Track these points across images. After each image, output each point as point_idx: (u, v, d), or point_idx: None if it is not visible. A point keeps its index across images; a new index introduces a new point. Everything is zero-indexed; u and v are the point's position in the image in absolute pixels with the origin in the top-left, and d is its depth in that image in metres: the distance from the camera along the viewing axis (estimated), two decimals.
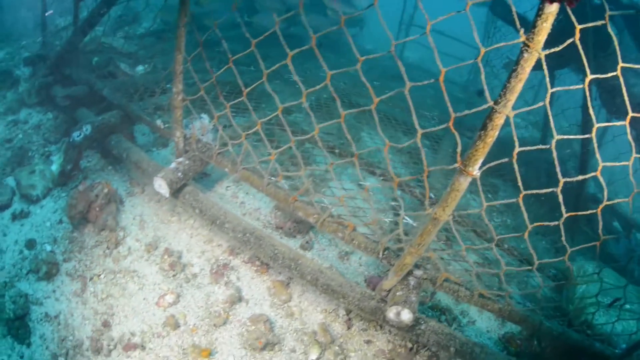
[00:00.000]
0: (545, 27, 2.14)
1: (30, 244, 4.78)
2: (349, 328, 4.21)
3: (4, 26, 10.40)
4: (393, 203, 5.13)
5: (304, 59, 7.78)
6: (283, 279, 4.51)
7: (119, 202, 5.14)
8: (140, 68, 7.17)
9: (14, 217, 5.10)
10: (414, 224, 4.65)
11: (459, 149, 2.69)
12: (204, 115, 5.10)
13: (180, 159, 4.76)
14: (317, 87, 3.34)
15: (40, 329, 4.04)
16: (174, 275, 4.50)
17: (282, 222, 4.94)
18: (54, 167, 5.55)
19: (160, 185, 4.55)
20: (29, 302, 4.20)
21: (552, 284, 4.95)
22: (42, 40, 7.76)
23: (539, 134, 9.50)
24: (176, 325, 4.07)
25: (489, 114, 2.45)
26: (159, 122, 5.16)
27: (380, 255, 3.79)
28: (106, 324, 4.07)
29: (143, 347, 3.90)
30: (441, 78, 2.55)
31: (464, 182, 2.79)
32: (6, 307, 4.09)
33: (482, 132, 2.53)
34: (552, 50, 2.30)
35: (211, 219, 4.47)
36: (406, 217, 4.69)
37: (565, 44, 2.27)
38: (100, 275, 4.50)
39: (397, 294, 3.57)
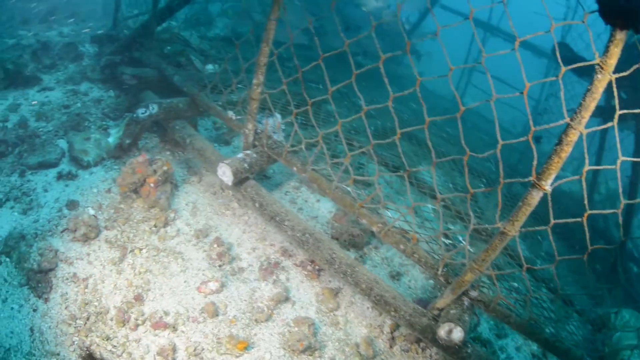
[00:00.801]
0: (616, 52, 2.57)
1: (72, 204, 5.01)
2: (391, 347, 4.31)
3: (71, 5, 11.12)
4: (450, 227, 5.30)
5: (370, 89, 8.14)
6: (333, 287, 4.64)
7: (174, 186, 5.36)
8: (209, 66, 7.53)
9: (60, 176, 5.38)
10: (471, 250, 4.77)
11: (534, 162, 2.97)
12: (277, 115, 5.37)
13: (248, 152, 5.00)
14: (379, 105, 3.62)
15: (63, 287, 4.16)
16: (220, 266, 4.65)
17: (339, 234, 5.11)
18: (111, 139, 5.83)
19: (225, 172, 4.76)
20: (58, 259, 4.37)
21: (590, 329, 5.11)
22: (113, 22, 8.21)
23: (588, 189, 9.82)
24: (215, 314, 4.18)
25: (565, 130, 2.83)
26: (230, 113, 5.43)
27: (440, 272, 3.92)
28: (139, 298, 4.20)
29: (174, 328, 4.00)
30: (491, 100, 2.81)
31: (536, 197, 3.02)
32: (31, 258, 4.29)
33: (558, 146, 2.85)
34: (622, 74, 2.67)
35: (271, 215, 4.65)
36: (461, 239, 4.88)
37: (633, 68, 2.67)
38: (142, 249, 4.68)
39: (451, 312, 3.69)
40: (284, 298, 4.42)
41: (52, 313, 3.96)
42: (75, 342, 3.76)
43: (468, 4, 3.25)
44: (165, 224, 4.98)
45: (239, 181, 4.90)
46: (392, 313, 3.94)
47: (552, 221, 3.11)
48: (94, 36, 8.10)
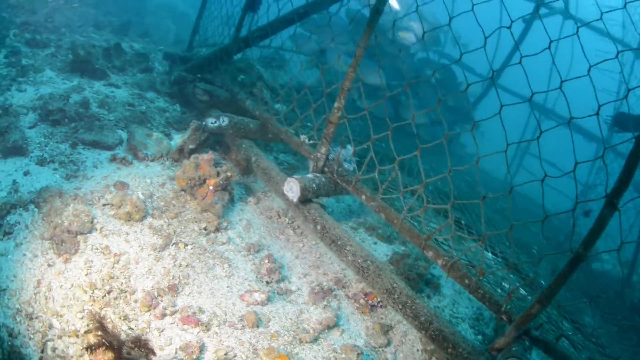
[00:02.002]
0: None
1: (121, 185, 5.34)
2: None
3: (144, 26, 12.08)
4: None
5: (429, 154, 8.60)
6: (384, 324, 4.78)
7: (231, 198, 5.67)
8: (278, 106, 8.02)
9: (114, 158, 5.77)
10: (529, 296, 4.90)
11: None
12: (349, 146, 5.70)
13: (318, 174, 5.31)
14: (439, 176, 3.95)
15: (90, 255, 4.41)
16: (268, 282, 4.86)
17: None
18: (174, 143, 6.24)
19: (292, 188, 5.07)
20: (93, 227, 4.65)
21: None
22: (189, 44, 8.90)
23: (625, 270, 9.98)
24: (256, 324, 4.34)
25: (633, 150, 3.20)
26: (302, 137, 5.79)
27: (503, 308, 4.05)
28: (173, 289, 4.39)
29: (207, 328, 4.13)
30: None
31: (608, 216, 3.30)
32: (63, 214, 4.55)
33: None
34: None
35: (332, 239, 4.89)
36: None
37: None
38: (188, 245, 4.94)
39: (513, 349, 3.82)
40: (333, 324, 4.57)
41: (69, 274, 4.18)
42: (86, 310, 3.92)
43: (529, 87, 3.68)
44: (217, 230, 5.25)
45: (303, 201, 5.18)
46: (450, 350, 4.05)
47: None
48: (167, 53, 8.74)
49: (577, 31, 4.06)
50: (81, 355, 3.57)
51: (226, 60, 7.68)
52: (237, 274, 4.82)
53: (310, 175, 5.23)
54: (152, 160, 5.95)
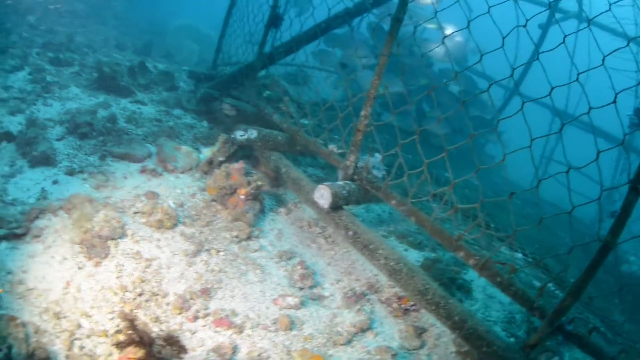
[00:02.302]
0: None
1: (151, 194, 5.60)
2: None
3: (166, 47, 12.49)
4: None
5: (459, 171, 8.81)
6: (418, 326, 4.95)
7: (262, 208, 5.90)
8: (304, 121, 8.28)
9: (143, 170, 6.05)
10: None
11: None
12: (377, 154, 5.91)
13: (348, 181, 5.53)
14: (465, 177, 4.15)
15: (121, 259, 4.61)
16: (301, 288, 5.06)
17: None
18: (202, 156, 6.50)
19: (323, 195, 5.28)
20: (124, 232, 4.90)
21: None
22: (213, 62, 9.22)
23: None
24: (289, 327, 4.52)
25: None
26: (331, 146, 6.02)
27: (535, 304, 4.19)
28: (205, 292, 4.60)
29: (240, 330, 4.31)
30: None
31: (633, 201, 3.45)
32: (94, 220, 4.78)
33: None
34: None
35: (364, 243, 5.08)
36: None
37: None
38: (220, 252, 5.17)
39: (548, 344, 3.97)
40: (367, 326, 4.75)
41: (99, 277, 4.37)
42: (116, 311, 4.09)
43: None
44: (248, 238, 5.48)
45: (334, 208, 5.38)
46: (484, 348, 4.20)
47: None
48: (192, 72, 9.07)
49: (589, 24, 4.27)
50: (110, 354, 3.73)
51: (251, 77, 7.96)
52: (269, 280, 5.03)
53: (340, 183, 5.44)
54: (182, 173, 6.21)
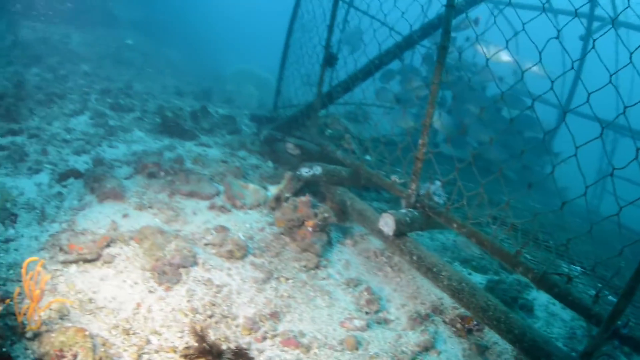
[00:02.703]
0: None
1: (222, 229, 6.17)
2: None
3: (225, 92, 13.34)
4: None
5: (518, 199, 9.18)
6: (481, 345, 5.35)
7: (329, 240, 6.43)
8: (366, 157, 8.83)
9: (212, 206, 6.67)
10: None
11: None
12: (437, 182, 6.38)
13: (411, 209, 6.01)
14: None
15: (192, 285, 5.13)
16: (367, 313, 5.51)
17: None
18: (270, 193, 7.10)
19: (387, 223, 5.77)
20: (195, 261, 5.46)
21: None
22: (274, 105, 9.91)
23: None
24: (355, 347, 4.93)
25: None
26: (393, 177, 6.53)
27: (592, 311, 4.53)
28: (274, 315, 5.06)
29: (307, 350, 4.66)
30: None
31: None
32: (165, 249, 5.36)
33: None
34: None
35: (428, 267, 5.53)
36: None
37: None
38: (289, 279, 5.69)
39: (604, 349, 4.30)
40: (431, 345, 5.15)
41: (170, 300, 4.84)
42: (186, 330, 4.50)
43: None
44: (316, 267, 5.99)
45: (398, 235, 5.86)
46: (544, 359, 4.59)
47: None
48: (254, 115, 9.78)
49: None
50: None
51: (312, 116, 8.57)
52: (337, 305, 5.50)
53: (403, 210, 5.92)
54: (250, 209, 6.81)
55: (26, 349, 3.81)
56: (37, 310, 4.01)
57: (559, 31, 4.84)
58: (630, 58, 4.07)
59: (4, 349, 3.55)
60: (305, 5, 10.10)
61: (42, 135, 7.98)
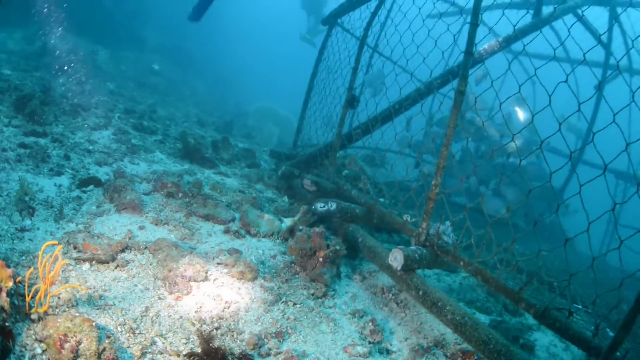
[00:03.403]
0: None
1: (235, 251, 6.62)
2: None
3: (246, 128, 13.94)
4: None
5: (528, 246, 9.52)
6: None
7: (339, 272, 6.84)
8: (380, 199, 9.30)
9: (227, 230, 7.15)
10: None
11: None
12: (447, 222, 6.81)
13: (420, 247, 6.44)
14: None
15: (201, 299, 5.45)
16: (370, 342, 5.87)
17: None
18: (284, 224, 7.55)
19: (396, 258, 6.18)
20: (206, 276, 5.85)
21: None
22: (294, 142, 10.45)
23: None
24: None
25: None
26: (405, 216, 6.98)
27: (592, 344, 4.88)
28: (279, 335, 5.40)
29: None
30: None
31: None
32: (179, 262, 5.74)
33: None
34: None
35: (433, 301, 5.92)
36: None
37: None
38: (296, 304, 6.08)
39: None
40: None
41: (179, 309, 5.16)
42: (191, 339, 4.77)
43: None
44: (324, 296, 6.39)
45: (406, 270, 6.27)
46: None
47: None
48: (273, 151, 10.31)
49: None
50: None
51: (331, 155, 9.06)
52: (341, 332, 5.87)
53: (413, 247, 6.34)
54: (264, 237, 7.27)
55: (29, 329, 4.07)
56: (48, 293, 4.29)
57: (567, 75, 5.23)
58: None
59: (7, 324, 3.79)
60: (332, 47, 10.70)
61: (65, 141, 8.61)
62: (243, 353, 4.67)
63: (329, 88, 10.30)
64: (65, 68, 13.30)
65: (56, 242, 4.65)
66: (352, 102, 8.83)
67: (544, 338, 6.93)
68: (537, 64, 6.08)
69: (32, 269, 4.56)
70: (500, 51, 9.41)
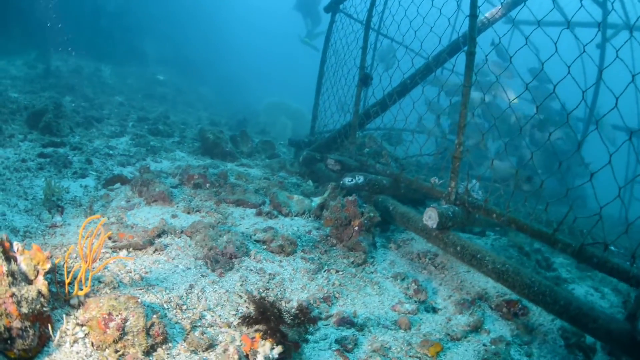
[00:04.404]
0: None
1: (270, 229, 6.93)
2: None
3: (260, 124, 14.33)
4: None
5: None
6: (527, 325, 5.98)
7: (374, 242, 7.15)
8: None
9: (259, 212, 7.51)
10: None
11: None
12: (474, 180, 7.08)
13: (451, 205, 6.72)
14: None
15: (245, 273, 5.75)
16: (416, 301, 6.18)
17: None
18: (314, 203, 7.86)
19: (431, 216, 6.48)
20: (246, 253, 6.17)
21: None
22: (311, 129, 10.79)
23: None
24: (408, 327, 5.55)
25: None
26: (433, 179, 7.27)
27: (631, 274, 5.10)
28: (327, 300, 5.63)
29: (361, 328, 5.23)
30: None
31: None
32: (218, 241, 6.11)
33: None
34: None
35: (472, 254, 6.21)
36: None
37: None
38: (338, 271, 6.40)
39: None
40: (480, 324, 5.78)
41: (223, 284, 5.44)
42: (240, 311, 4.93)
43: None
44: (364, 263, 6.71)
45: (441, 228, 6.56)
46: (591, 325, 5.15)
47: None
48: (291, 140, 10.65)
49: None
50: (232, 341, 4.40)
51: (351, 134, 9.38)
52: (386, 293, 6.17)
53: (445, 206, 6.64)
54: (296, 216, 7.60)
55: (68, 314, 4.15)
56: (90, 271, 4.41)
57: (568, 21, 5.51)
58: None
59: (45, 308, 3.75)
60: (337, 32, 11.03)
61: (85, 148, 9.08)
62: (300, 306, 4.86)
63: (339, 73, 10.63)
64: (72, 86, 13.75)
65: (99, 215, 4.81)
66: (365, 80, 9.13)
67: (579, 289, 7.24)
68: (538, 31, 6.40)
69: (72, 246, 4.83)
70: (502, 18, 9.79)
